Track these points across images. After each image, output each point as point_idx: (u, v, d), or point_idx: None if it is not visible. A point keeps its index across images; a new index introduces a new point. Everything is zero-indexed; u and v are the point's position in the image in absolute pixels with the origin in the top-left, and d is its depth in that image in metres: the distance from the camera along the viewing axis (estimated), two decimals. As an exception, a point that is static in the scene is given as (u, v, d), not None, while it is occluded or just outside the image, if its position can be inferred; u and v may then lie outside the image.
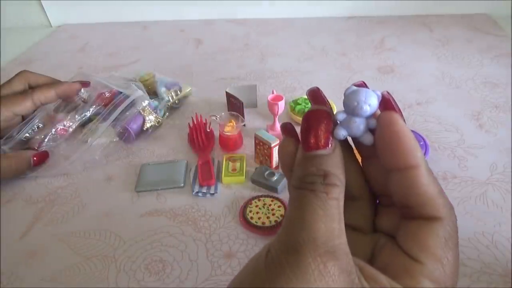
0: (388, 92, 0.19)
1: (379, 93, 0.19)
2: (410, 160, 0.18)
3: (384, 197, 0.21)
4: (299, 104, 0.64)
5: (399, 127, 0.17)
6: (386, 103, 0.19)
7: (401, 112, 0.18)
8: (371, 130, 0.19)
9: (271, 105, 0.58)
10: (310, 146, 0.18)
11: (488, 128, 0.60)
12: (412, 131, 0.55)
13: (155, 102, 0.63)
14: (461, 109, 0.65)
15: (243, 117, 0.60)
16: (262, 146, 0.53)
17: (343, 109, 0.19)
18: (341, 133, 0.19)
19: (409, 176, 0.18)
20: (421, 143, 0.53)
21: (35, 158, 0.53)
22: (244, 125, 0.62)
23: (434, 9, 1.05)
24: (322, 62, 0.85)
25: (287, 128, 0.21)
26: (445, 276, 0.17)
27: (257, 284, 0.16)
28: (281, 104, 0.58)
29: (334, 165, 0.18)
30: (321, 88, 0.21)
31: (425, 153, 0.52)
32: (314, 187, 0.17)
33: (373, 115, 0.19)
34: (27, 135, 0.56)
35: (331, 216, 0.17)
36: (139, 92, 0.60)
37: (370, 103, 0.18)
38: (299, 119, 0.62)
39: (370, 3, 1.06)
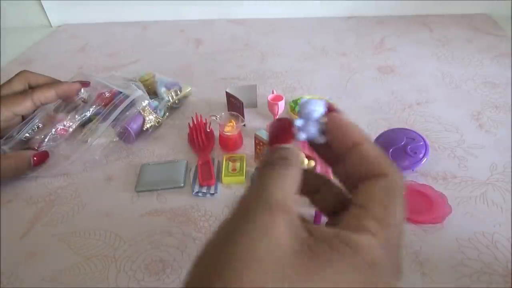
0: (330, 103, 0.24)
1: (325, 102, 0.24)
2: (354, 138, 0.22)
3: (348, 188, 0.25)
4: (299, 104, 0.64)
5: (340, 119, 0.23)
6: (330, 107, 0.24)
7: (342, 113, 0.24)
8: (323, 133, 0.24)
9: (271, 105, 0.58)
10: (275, 142, 0.24)
11: (488, 128, 0.60)
12: (412, 131, 0.55)
13: (155, 102, 0.63)
14: (461, 109, 0.65)
15: (243, 117, 0.60)
16: (262, 146, 0.53)
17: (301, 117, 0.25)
18: (301, 136, 0.24)
19: (357, 151, 0.22)
20: (421, 143, 0.53)
21: (35, 158, 0.54)
22: (244, 125, 0.62)
23: (434, 9, 1.05)
24: (322, 62, 0.85)
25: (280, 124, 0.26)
26: (389, 216, 0.20)
27: (221, 234, 0.19)
28: (281, 104, 0.58)
29: (290, 153, 0.23)
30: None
31: (425, 153, 0.52)
32: (274, 165, 0.22)
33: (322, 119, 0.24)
34: (27, 135, 0.56)
35: (286, 184, 0.21)
36: (139, 92, 0.60)
37: (317, 109, 0.24)
38: (299, 119, 0.62)
39: (370, 3, 1.06)
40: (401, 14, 1.06)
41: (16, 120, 0.55)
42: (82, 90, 0.59)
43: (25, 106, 0.52)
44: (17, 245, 0.46)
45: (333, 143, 0.23)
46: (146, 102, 0.61)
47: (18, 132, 0.55)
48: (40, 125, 0.57)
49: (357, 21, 1.05)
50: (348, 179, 0.24)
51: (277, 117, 0.61)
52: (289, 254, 0.18)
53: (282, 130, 0.25)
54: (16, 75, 0.55)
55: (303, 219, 0.20)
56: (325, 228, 0.20)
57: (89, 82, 0.60)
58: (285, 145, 0.24)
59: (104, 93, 0.61)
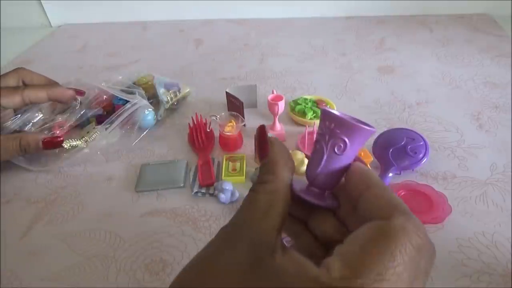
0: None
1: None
2: (365, 184, 0.22)
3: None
4: (299, 104, 0.64)
5: (360, 166, 0.24)
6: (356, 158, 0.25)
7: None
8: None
9: (271, 105, 0.58)
10: (260, 158, 0.25)
11: (488, 128, 0.60)
12: (412, 131, 0.55)
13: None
14: (461, 109, 0.65)
15: (243, 117, 0.60)
16: (262, 146, 0.53)
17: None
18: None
19: (369, 193, 0.22)
20: (421, 143, 0.53)
21: (45, 141, 0.53)
22: (244, 125, 0.62)
23: (434, 9, 1.05)
24: (322, 62, 0.85)
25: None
26: (362, 262, 0.18)
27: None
28: (281, 104, 0.58)
29: (269, 165, 0.23)
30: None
31: (425, 153, 0.52)
32: (252, 187, 0.23)
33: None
34: (18, 128, 0.56)
35: (251, 204, 0.22)
36: (143, 102, 0.60)
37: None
38: (299, 119, 0.62)
39: (370, 3, 1.06)
40: (401, 14, 1.07)
41: (8, 113, 0.55)
42: (78, 98, 0.60)
43: (13, 100, 0.52)
44: (17, 245, 0.46)
45: (349, 186, 0.24)
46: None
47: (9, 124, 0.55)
48: (34, 121, 0.57)
49: (357, 21, 1.05)
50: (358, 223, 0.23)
51: (277, 117, 0.61)
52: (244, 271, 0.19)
53: (260, 141, 0.25)
54: (11, 70, 0.55)
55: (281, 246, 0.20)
56: (293, 257, 0.20)
57: (84, 92, 0.60)
58: (265, 159, 0.24)
59: (101, 96, 0.62)
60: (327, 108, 0.24)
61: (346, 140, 0.23)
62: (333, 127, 0.23)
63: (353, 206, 0.23)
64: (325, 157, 0.23)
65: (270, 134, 0.53)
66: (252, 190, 0.22)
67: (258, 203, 0.21)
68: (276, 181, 0.22)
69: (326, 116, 0.23)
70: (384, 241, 0.18)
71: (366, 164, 0.24)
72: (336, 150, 0.23)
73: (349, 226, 0.24)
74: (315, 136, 0.25)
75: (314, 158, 0.24)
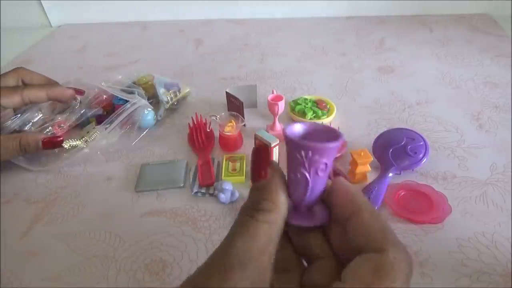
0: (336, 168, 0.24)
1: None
2: (357, 206, 0.22)
3: (345, 256, 0.23)
4: (299, 104, 0.64)
5: (344, 185, 0.23)
6: (335, 171, 0.24)
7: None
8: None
9: (271, 105, 0.58)
10: (254, 178, 0.23)
11: (488, 128, 0.60)
12: (412, 131, 0.55)
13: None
14: (461, 109, 0.65)
15: (243, 117, 0.60)
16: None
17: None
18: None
19: (358, 219, 0.22)
20: (421, 143, 0.53)
21: (45, 140, 0.53)
22: (244, 125, 0.62)
23: (434, 9, 1.05)
24: (322, 62, 0.85)
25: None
26: None
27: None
28: (281, 104, 0.58)
29: (270, 192, 0.22)
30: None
31: (425, 153, 0.52)
32: (247, 212, 0.21)
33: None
34: (18, 128, 0.56)
35: (253, 236, 0.20)
36: (142, 102, 0.60)
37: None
38: (299, 119, 0.62)
39: (370, 3, 1.06)
40: (401, 14, 1.07)
41: (8, 113, 0.55)
42: (78, 97, 0.60)
43: (12, 100, 0.52)
44: (17, 245, 0.46)
45: (335, 209, 0.23)
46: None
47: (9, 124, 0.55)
48: (33, 121, 0.57)
49: (357, 21, 1.05)
50: (346, 249, 0.23)
51: (277, 117, 0.61)
52: None
53: (260, 162, 0.23)
54: (11, 70, 0.55)
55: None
56: None
57: (84, 91, 0.60)
58: (262, 182, 0.23)
59: (101, 95, 0.62)
60: (291, 133, 0.23)
61: (327, 162, 0.22)
62: (311, 155, 0.22)
63: (341, 227, 0.23)
64: (310, 184, 0.23)
65: (270, 134, 0.53)
66: (249, 215, 0.21)
67: (258, 235, 0.20)
68: (275, 212, 0.22)
69: (298, 146, 0.22)
70: (384, 280, 0.19)
71: (346, 177, 0.24)
72: (319, 173, 0.22)
73: (335, 245, 0.24)
74: (287, 166, 0.23)
75: (298, 187, 0.23)
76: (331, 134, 0.23)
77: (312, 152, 0.21)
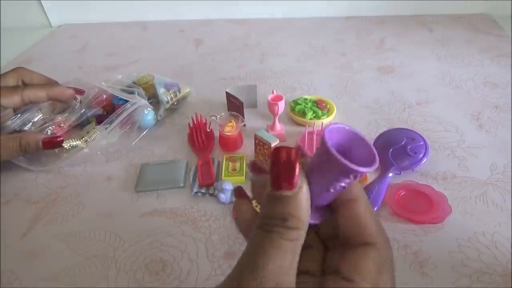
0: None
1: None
2: (351, 195, 0.21)
3: (331, 240, 0.24)
4: (299, 104, 0.64)
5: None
6: None
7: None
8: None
9: (271, 105, 0.58)
10: (275, 185, 0.19)
11: (488, 128, 0.60)
12: (412, 131, 0.55)
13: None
14: (461, 109, 0.65)
15: (243, 117, 0.60)
16: (262, 146, 0.53)
17: None
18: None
19: (350, 207, 0.21)
20: (421, 143, 0.53)
21: (45, 140, 0.53)
22: (244, 125, 0.62)
23: (434, 9, 1.05)
24: (322, 62, 0.85)
25: (238, 192, 0.23)
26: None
27: None
28: (281, 104, 0.58)
29: (297, 207, 0.19)
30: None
31: (425, 153, 0.52)
32: (273, 228, 0.19)
33: None
34: (18, 128, 0.56)
35: (282, 255, 0.19)
36: (142, 102, 0.60)
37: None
38: (299, 119, 0.62)
39: (369, 3, 1.06)
40: (401, 14, 1.07)
41: (8, 113, 0.55)
42: (78, 97, 0.60)
43: (12, 100, 0.52)
44: (17, 245, 0.46)
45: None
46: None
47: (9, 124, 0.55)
48: (33, 120, 0.57)
49: (357, 21, 1.05)
50: (330, 234, 0.23)
51: (277, 117, 0.61)
52: None
53: (286, 167, 0.19)
54: (11, 70, 0.55)
55: None
56: None
57: (84, 91, 0.60)
58: (288, 192, 0.19)
59: (101, 95, 0.62)
60: (335, 149, 0.19)
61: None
62: (352, 179, 0.20)
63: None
64: (332, 196, 0.22)
65: (270, 134, 0.53)
66: (276, 232, 0.19)
67: (286, 254, 0.19)
68: (302, 229, 0.20)
69: (347, 170, 0.19)
70: (384, 275, 0.20)
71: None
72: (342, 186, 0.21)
73: (321, 230, 0.24)
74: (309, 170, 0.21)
75: (317, 192, 0.21)
76: (366, 149, 0.20)
77: (355, 177, 0.20)
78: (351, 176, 0.20)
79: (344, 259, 0.21)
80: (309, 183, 0.20)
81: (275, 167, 0.19)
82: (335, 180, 0.20)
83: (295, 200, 0.19)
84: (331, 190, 0.20)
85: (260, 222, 0.20)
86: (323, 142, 0.19)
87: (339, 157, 0.19)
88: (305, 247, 0.22)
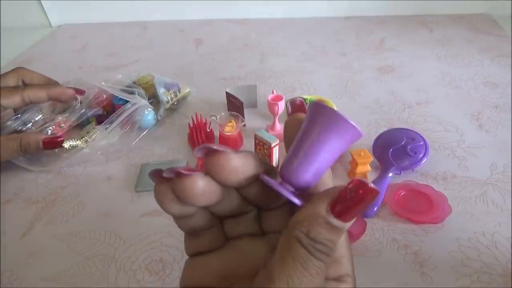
0: None
1: None
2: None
3: (265, 206, 0.23)
4: (299, 104, 0.64)
5: None
6: None
7: None
8: None
9: (271, 105, 0.58)
10: (343, 214, 0.18)
11: (488, 128, 0.60)
12: (412, 131, 0.55)
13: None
14: (461, 109, 0.65)
15: (243, 117, 0.60)
16: (262, 146, 0.53)
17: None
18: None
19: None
20: (421, 143, 0.53)
21: (45, 141, 0.53)
22: (244, 125, 0.62)
23: (434, 9, 1.05)
24: (322, 62, 0.85)
25: (155, 174, 0.20)
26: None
27: None
28: (281, 104, 0.58)
29: (340, 241, 0.19)
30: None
31: (425, 153, 0.52)
32: (317, 254, 0.18)
33: None
34: (19, 128, 0.56)
35: (314, 280, 0.18)
36: (142, 102, 0.60)
37: None
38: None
39: (369, 3, 1.06)
40: (401, 14, 1.07)
41: (8, 113, 0.55)
42: (78, 97, 0.60)
43: (13, 100, 0.52)
44: (17, 245, 0.46)
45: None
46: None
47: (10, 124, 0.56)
48: (34, 120, 0.57)
49: (357, 21, 1.05)
50: (266, 203, 0.22)
51: (277, 117, 0.60)
52: None
53: (361, 204, 0.18)
54: (11, 70, 0.55)
55: None
56: None
57: (84, 91, 0.60)
58: (347, 224, 0.18)
59: (101, 95, 0.62)
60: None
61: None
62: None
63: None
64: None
65: (270, 134, 0.53)
66: (317, 256, 0.18)
67: (319, 277, 0.18)
68: (331, 254, 0.19)
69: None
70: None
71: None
72: None
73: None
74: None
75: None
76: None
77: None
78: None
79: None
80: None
81: (355, 199, 0.18)
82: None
83: (342, 232, 0.19)
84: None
85: (307, 242, 0.18)
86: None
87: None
88: (246, 213, 0.23)
